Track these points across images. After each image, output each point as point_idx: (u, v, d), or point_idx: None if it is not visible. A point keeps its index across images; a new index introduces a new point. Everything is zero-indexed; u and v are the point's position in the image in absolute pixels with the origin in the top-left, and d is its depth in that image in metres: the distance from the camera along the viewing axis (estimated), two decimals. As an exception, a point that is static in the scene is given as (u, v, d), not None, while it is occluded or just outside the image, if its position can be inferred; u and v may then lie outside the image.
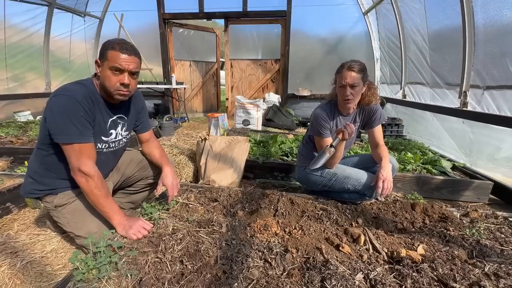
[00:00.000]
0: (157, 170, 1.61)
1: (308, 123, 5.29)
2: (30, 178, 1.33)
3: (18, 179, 2.05)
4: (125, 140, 1.49)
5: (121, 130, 1.43)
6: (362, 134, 3.56)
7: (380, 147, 1.72)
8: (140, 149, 1.66)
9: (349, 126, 1.45)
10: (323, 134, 1.66)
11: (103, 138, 1.34)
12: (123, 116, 1.42)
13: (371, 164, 1.79)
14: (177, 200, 1.57)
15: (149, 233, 1.22)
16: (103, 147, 1.36)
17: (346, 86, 1.53)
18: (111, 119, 1.36)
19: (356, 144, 3.22)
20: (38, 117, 4.41)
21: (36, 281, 1.20)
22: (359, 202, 1.68)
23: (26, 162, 2.44)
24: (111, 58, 1.19)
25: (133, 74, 1.26)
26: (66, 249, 1.43)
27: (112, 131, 1.38)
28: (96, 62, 1.25)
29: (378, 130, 1.76)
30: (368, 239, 1.21)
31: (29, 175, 1.34)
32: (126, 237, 1.18)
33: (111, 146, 1.39)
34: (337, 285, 0.90)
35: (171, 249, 1.11)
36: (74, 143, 1.17)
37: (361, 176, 1.66)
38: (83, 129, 1.19)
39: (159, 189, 1.48)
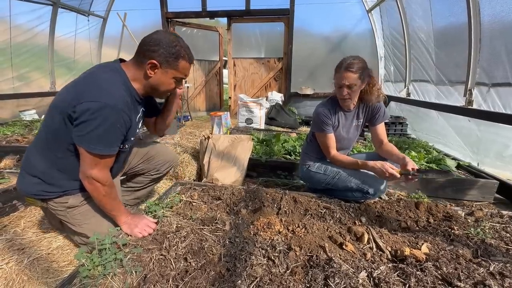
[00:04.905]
0: (161, 163, 1.64)
1: (311, 122, 5.27)
2: (36, 178, 1.20)
3: (24, 177, 2.07)
4: (138, 131, 1.43)
5: (140, 123, 1.39)
6: (365, 133, 3.54)
7: (386, 144, 1.73)
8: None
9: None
10: (326, 130, 1.67)
11: (131, 138, 1.28)
12: (143, 109, 1.38)
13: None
14: (181, 198, 1.58)
15: (154, 231, 1.23)
16: (128, 146, 1.30)
17: (343, 87, 1.55)
18: (138, 117, 1.30)
19: (359, 143, 3.20)
20: (44, 116, 4.46)
21: (43, 277, 1.22)
22: (362, 201, 1.68)
23: (32, 160, 2.47)
24: (181, 70, 1.18)
25: None
26: (72, 246, 1.45)
27: (137, 127, 1.34)
28: (152, 63, 1.13)
29: (381, 128, 1.77)
30: (371, 237, 1.21)
31: (35, 175, 1.20)
32: (131, 235, 1.20)
33: (132, 141, 1.34)
34: (341, 283, 0.90)
35: (175, 246, 1.11)
36: (97, 153, 1.09)
37: (365, 174, 1.66)
38: (115, 141, 1.13)
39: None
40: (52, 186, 1.22)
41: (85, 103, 1.02)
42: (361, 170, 1.68)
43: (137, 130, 1.38)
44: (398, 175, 1.45)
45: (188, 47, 1.21)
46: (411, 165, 1.47)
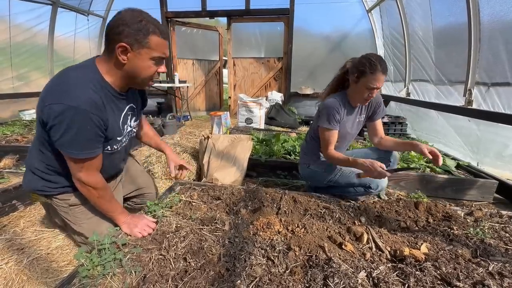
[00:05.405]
0: (146, 198, 1.65)
1: (311, 122, 5.25)
2: (35, 175, 1.22)
3: (24, 177, 2.07)
4: (134, 130, 1.38)
5: (131, 121, 1.30)
6: (365, 133, 3.53)
7: (385, 137, 1.79)
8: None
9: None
10: (333, 125, 1.63)
11: (118, 138, 1.21)
12: (132, 105, 1.28)
13: (373, 157, 1.82)
14: (180, 198, 1.58)
15: (153, 231, 1.23)
16: (117, 147, 1.24)
17: (375, 89, 1.52)
18: (123, 114, 1.22)
19: (359, 143, 3.20)
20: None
21: (42, 277, 1.22)
22: (363, 199, 1.68)
23: (31, 160, 2.47)
24: (155, 47, 1.03)
25: None
26: (72, 246, 1.45)
27: (125, 126, 1.25)
28: (122, 46, 0.99)
29: (379, 123, 1.82)
30: (371, 237, 1.21)
31: (32, 171, 1.22)
32: (130, 235, 1.20)
33: (123, 141, 1.28)
34: (340, 283, 0.90)
35: (175, 246, 1.11)
36: (76, 157, 1.06)
37: None
38: (89, 144, 1.06)
39: (173, 170, 1.52)
40: (51, 182, 1.22)
41: (49, 106, 0.98)
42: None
43: (129, 129, 1.31)
44: (387, 173, 1.43)
45: (157, 21, 1.06)
46: (427, 149, 1.47)
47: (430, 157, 1.47)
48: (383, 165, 1.44)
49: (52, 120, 0.99)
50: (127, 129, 1.28)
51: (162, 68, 1.12)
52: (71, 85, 1.01)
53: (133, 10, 1.04)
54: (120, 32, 0.99)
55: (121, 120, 1.21)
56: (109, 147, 1.19)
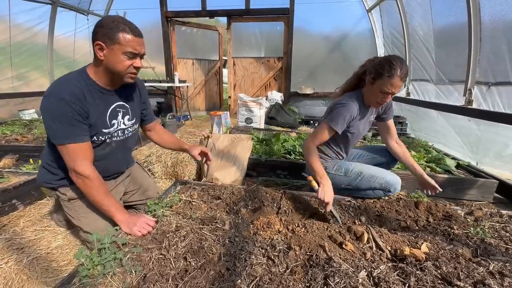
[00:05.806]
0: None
1: (311, 121, 5.21)
2: (44, 169, 1.34)
3: (23, 177, 2.07)
4: (131, 130, 1.45)
5: (123, 118, 1.37)
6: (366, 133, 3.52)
7: (399, 143, 1.81)
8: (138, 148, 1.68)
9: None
10: (338, 129, 1.56)
11: (103, 130, 1.29)
12: (123, 103, 1.37)
13: (378, 155, 1.86)
14: (181, 197, 1.58)
15: (153, 229, 1.23)
16: (105, 138, 1.31)
17: (390, 94, 1.46)
18: (110, 109, 1.31)
19: (359, 143, 3.20)
20: (43, 116, 4.48)
21: (42, 277, 1.22)
22: (377, 197, 1.73)
23: (31, 159, 2.47)
24: (125, 43, 1.13)
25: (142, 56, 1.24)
26: (71, 245, 1.45)
27: (114, 121, 1.33)
28: (98, 44, 1.14)
29: (392, 123, 1.81)
30: (371, 237, 1.21)
31: (43, 165, 1.36)
32: (130, 234, 1.19)
33: (114, 135, 1.34)
34: (340, 283, 0.90)
35: (175, 246, 1.11)
36: (67, 144, 1.16)
37: (385, 174, 1.69)
38: (73, 129, 1.16)
39: (202, 157, 1.64)
40: (53, 174, 1.32)
41: (41, 102, 1.16)
42: (365, 169, 1.70)
43: (121, 126, 1.36)
44: (327, 208, 1.39)
45: (130, 23, 1.17)
46: (431, 185, 1.62)
47: (431, 193, 1.65)
48: (331, 199, 1.38)
49: (42, 110, 1.16)
50: (117, 125, 1.35)
51: (137, 63, 1.21)
52: (59, 83, 1.19)
53: (111, 16, 1.21)
54: (97, 32, 1.15)
55: (108, 115, 1.30)
56: (95, 137, 1.27)
